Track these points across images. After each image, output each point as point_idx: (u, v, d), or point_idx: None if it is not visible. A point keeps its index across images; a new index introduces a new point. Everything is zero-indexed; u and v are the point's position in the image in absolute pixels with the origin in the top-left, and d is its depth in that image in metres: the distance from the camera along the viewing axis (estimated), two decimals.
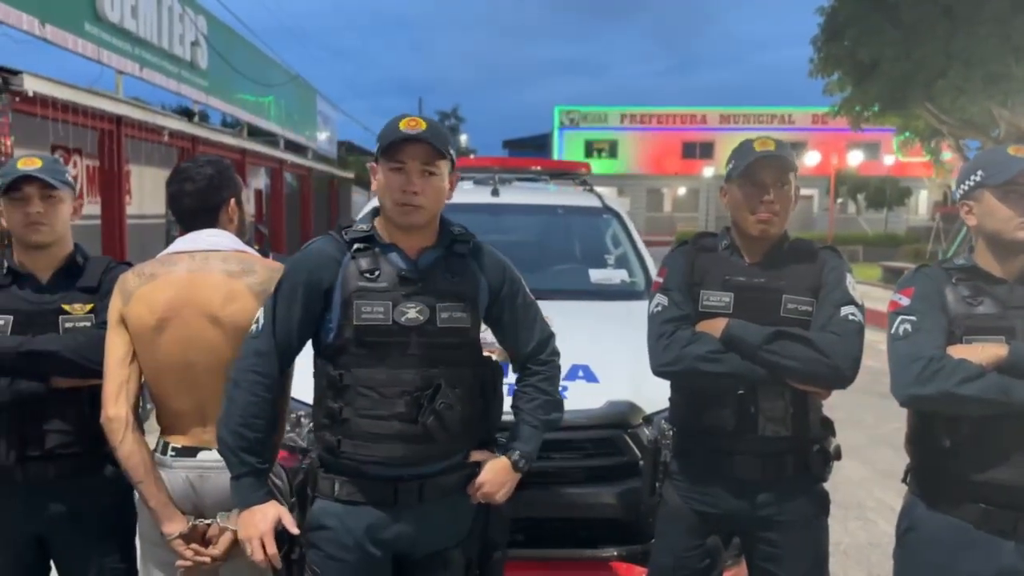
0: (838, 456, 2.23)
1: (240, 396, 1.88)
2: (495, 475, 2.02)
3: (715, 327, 2.12)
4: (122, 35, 10.62)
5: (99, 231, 10.73)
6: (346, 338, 1.86)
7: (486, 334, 2.96)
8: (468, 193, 4.56)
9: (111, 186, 10.75)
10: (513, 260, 4.07)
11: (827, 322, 2.09)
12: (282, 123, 18.70)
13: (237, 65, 14.77)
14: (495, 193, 4.21)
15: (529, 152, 43.46)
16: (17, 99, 7.93)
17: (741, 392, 2.12)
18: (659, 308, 2.21)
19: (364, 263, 1.87)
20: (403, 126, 1.86)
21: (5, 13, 8.02)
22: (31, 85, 7.89)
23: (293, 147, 19.98)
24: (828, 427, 2.25)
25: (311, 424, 2.11)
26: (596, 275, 3.86)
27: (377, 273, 1.87)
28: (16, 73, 7.82)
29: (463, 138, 49.54)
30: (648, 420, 2.58)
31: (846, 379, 2.07)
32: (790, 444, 2.15)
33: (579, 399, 2.59)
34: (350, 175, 23.73)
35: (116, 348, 2.08)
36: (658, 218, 39.91)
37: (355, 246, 1.90)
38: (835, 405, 2.25)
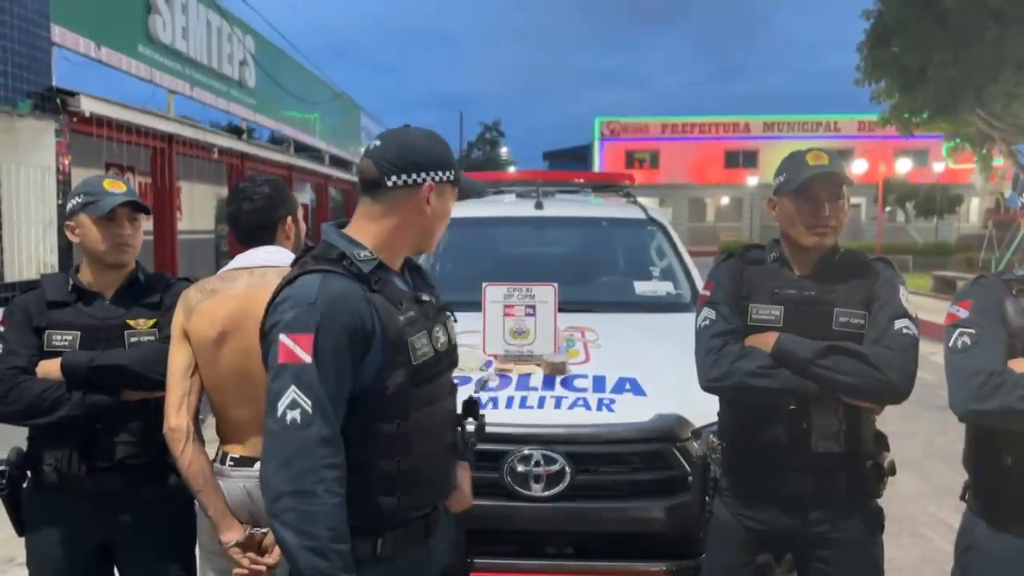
0: (892, 472, 2.20)
1: (320, 506, 1.47)
2: (466, 482, 1.95)
3: (765, 341, 2.11)
4: (173, 56, 10.93)
5: (152, 246, 11.02)
6: (400, 383, 1.61)
7: (532, 347, 3.00)
8: (511, 206, 4.59)
9: (163, 202, 11.04)
10: (557, 273, 4.13)
11: (881, 336, 2.06)
12: (327, 139, 18.99)
13: (284, 83, 15.07)
14: (539, 206, 4.23)
15: (569, 163, 43.51)
16: (74, 119, 8.20)
17: (793, 408, 2.10)
18: (707, 322, 2.21)
19: (388, 294, 1.64)
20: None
21: (63, 36, 8.30)
22: (87, 106, 8.16)
23: (338, 162, 20.28)
24: (882, 442, 2.22)
25: None
26: (641, 287, 3.86)
27: (403, 303, 1.66)
28: (73, 94, 8.10)
29: (503, 150, 49.71)
30: (697, 434, 2.56)
31: (901, 394, 2.04)
32: (843, 460, 2.12)
33: (627, 412, 2.59)
34: None
35: (179, 360, 2.14)
36: (701, 228, 39.58)
37: (373, 278, 1.63)
38: (888, 419, 2.21)
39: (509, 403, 2.63)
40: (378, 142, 1.71)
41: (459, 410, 1.92)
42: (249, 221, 2.24)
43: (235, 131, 13.75)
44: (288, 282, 1.63)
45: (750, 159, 40.13)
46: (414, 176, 1.67)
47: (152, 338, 2.27)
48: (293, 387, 1.50)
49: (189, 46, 11.31)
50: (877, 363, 2.01)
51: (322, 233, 1.75)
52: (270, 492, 1.49)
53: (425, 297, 1.75)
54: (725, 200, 41.83)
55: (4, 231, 7.42)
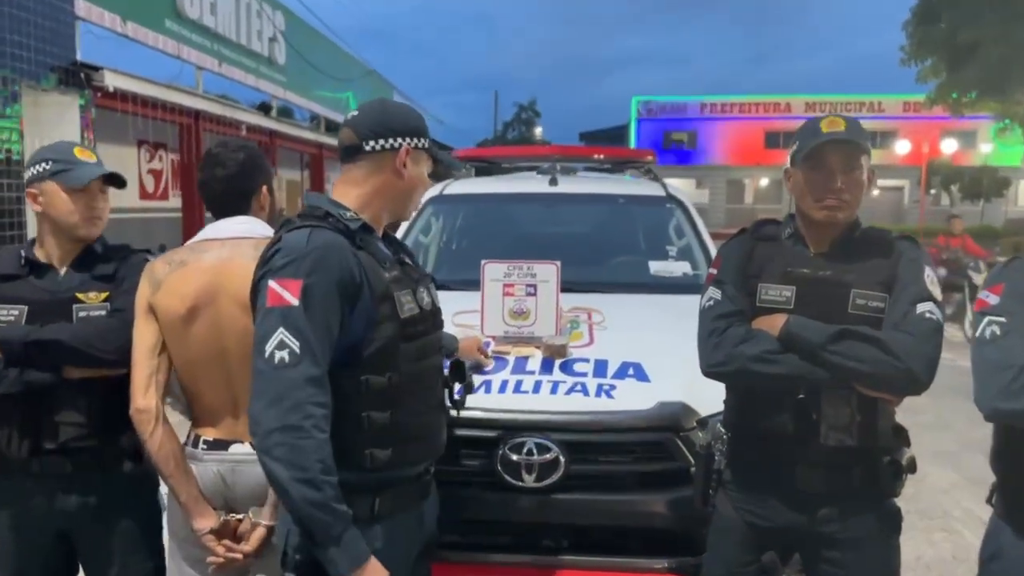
0: (912, 469, 2.01)
1: (308, 440, 1.52)
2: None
3: (773, 324, 1.93)
4: (201, 31, 10.88)
5: (180, 223, 11.05)
6: (390, 336, 1.67)
7: (533, 328, 2.84)
8: (526, 182, 4.43)
9: (190, 180, 11.04)
10: (568, 251, 3.96)
11: (901, 320, 1.87)
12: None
13: (314, 61, 14.99)
14: (553, 182, 4.06)
15: (605, 144, 43.03)
16: (99, 95, 8.18)
17: (801, 397, 1.93)
18: (711, 303, 2.04)
19: (373, 252, 1.72)
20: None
21: (88, 10, 8.28)
22: (111, 81, 8.14)
23: None
24: (901, 436, 2.03)
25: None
26: (656, 267, 3.67)
27: (387, 262, 1.74)
28: (97, 69, 8.08)
29: (538, 130, 49.37)
30: (702, 423, 2.39)
31: (920, 384, 1.85)
32: (857, 455, 1.95)
33: (628, 399, 2.43)
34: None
35: (145, 338, 2.03)
36: (739, 210, 38.97)
37: (359, 236, 1.71)
38: (923, 408, 2.04)
39: (503, 387, 2.49)
40: (356, 112, 1.80)
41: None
42: (222, 189, 2.12)
43: (264, 108, 13.72)
44: (277, 240, 1.68)
45: (791, 140, 39.26)
46: (391, 141, 1.75)
47: (103, 312, 2.13)
48: (282, 328, 1.56)
49: (217, 22, 11.26)
50: (895, 350, 1.83)
51: (304, 199, 1.81)
52: (259, 429, 1.54)
53: (406, 260, 1.84)
54: (764, 182, 41.12)
55: (28, 205, 7.42)
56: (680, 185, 4.37)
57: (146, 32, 9.48)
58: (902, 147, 29.31)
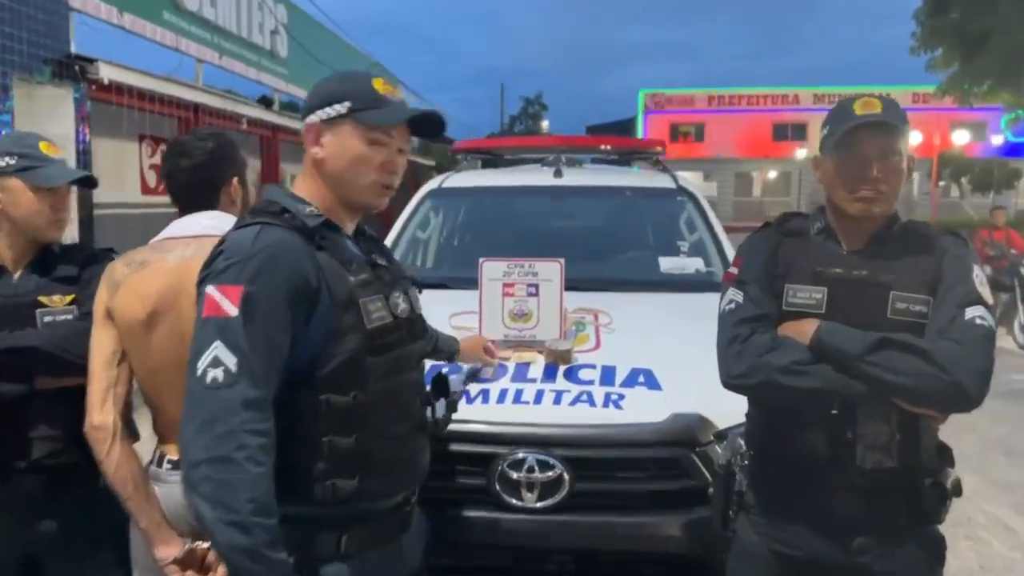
0: (958, 492, 1.80)
1: (240, 475, 1.30)
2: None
3: (803, 331, 1.72)
4: (201, 23, 10.67)
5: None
6: (354, 349, 1.46)
7: (535, 331, 2.63)
8: (529, 174, 4.22)
9: None
10: (573, 247, 3.73)
11: (947, 326, 1.66)
12: None
13: (317, 53, 14.77)
14: (558, 174, 3.84)
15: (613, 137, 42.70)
16: (93, 87, 7.99)
17: (835, 412, 1.72)
18: (732, 306, 1.82)
19: (336, 253, 1.51)
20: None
21: (82, 2, 8.07)
22: (106, 73, 7.93)
23: None
24: (945, 456, 1.82)
25: None
26: (666, 263, 3.45)
27: (353, 264, 1.52)
28: (92, 61, 7.88)
29: (545, 124, 49.06)
30: (721, 436, 2.18)
31: (971, 401, 1.63)
32: (896, 477, 1.73)
33: (638, 410, 2.22)
34: (431, 162, 23.75)
35: (103, 346, 1.84)
36: (747, 203, 38.62)
37: (317, 234, 1.50)
38: None
39: (501, 397, 2.28)
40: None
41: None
42: (187, 181, 1.92)
43: (266, 102, 13.52)
44: (223, 239, 1.48)
45: (799, 132, 38.96)
46: (306, 121, 1.57)
47: (70, 316, 1.98)
48: (217, 342, 1.35)
49: (217, 14, 11.03)
50: (941, 361, 1.61)
51: (266, 191, 1.60)
52: (186, 459, 1.33)
53: (380, 261, 1.62)
54: (772, 174, 40.74)
55: None
56: (688, 178, 4.13)
57: (144, 24, 9.26)
58: (912, 138, 28.92)
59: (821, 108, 38.19)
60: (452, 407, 1.88)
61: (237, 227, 1.49)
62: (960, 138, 27.56)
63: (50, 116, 7.69)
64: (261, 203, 1.54)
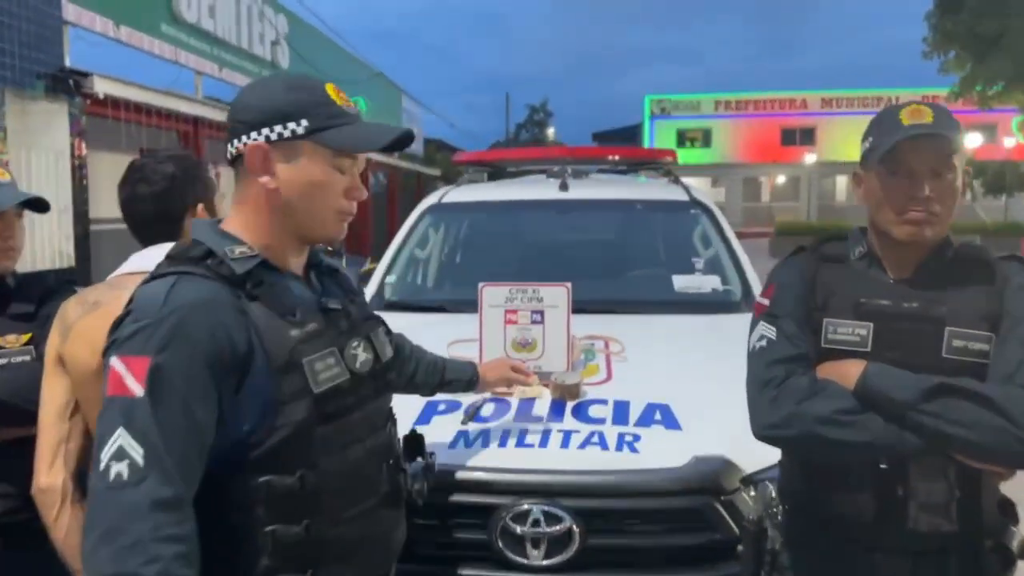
0: (1023, 554, 1.57)
1: None
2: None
3: (846, 373, 1.50)
4: (200, 35, 10.54)
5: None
6: (300, 420, 1.21)
7: (539, 362, 2.41)
8: (533, 187, 4.00)
9: None
10: (580, 265, 3.51)
11: (1015, 370, 1.43)
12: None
13: (319, 64, 14.62)
14: (564, 187, 3.62)
15: (618, 144, 42.52)
16: (88, 101, 7.83)
17: (884, 467, 1.49)
18: (763, 343, 1.60)
19: (273, 302, 1.25)
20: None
21: (78, 15, 7.93)
22: (101, 87, 7.78)
23: None
24: (1009, 513, 1.59)
25: None
26: (681, 282, 3.22)
27: (297, 313, 1.27)
28: (86, 75, 7.72)
29: (551, 131, 48.89)
30: (749, 482, 1.96)
31: None
32: (955, 541, 1.51)
33: (655, 453, 2.00)
34: (436, 172, 23.60)
35: (54, 397, 1.64)
36: (756, 208, 38.33)
37: (250, 282, 1.24)
38: None
39: (503, 439, 2.06)
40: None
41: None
42: (147, 211, 1.71)
43: None
44: (133, 295, 1.24)
45: (807, 136, 38.74)
46: (243, 139, 1.29)
47: (27, 358, 1.80)
48: (121, 430, 1.11)
49: (216, 25, 10.89)
50: (1010, 411, 1.39)
51: (193, 229, 1.32)
52: (87, 574, 1.09)
53: (333, 304, 1.36)
54: (781, 179, 40.45)
55: None
56: (696, 184, 3.91)
57: (141, 37, 9.12)
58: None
59: (829, 112, 38.01)
60: (430, 470, 1.62)
61: (149, 279, 1.24)
62: (972, 141, 27.26)
63: (44, 131, 7.53)
64: (179, 246, 1.29)
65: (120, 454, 1.09)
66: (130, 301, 1.21)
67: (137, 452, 1.09)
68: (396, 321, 3.11)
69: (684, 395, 2.25)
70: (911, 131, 1.49)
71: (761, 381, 1.56)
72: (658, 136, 39.91)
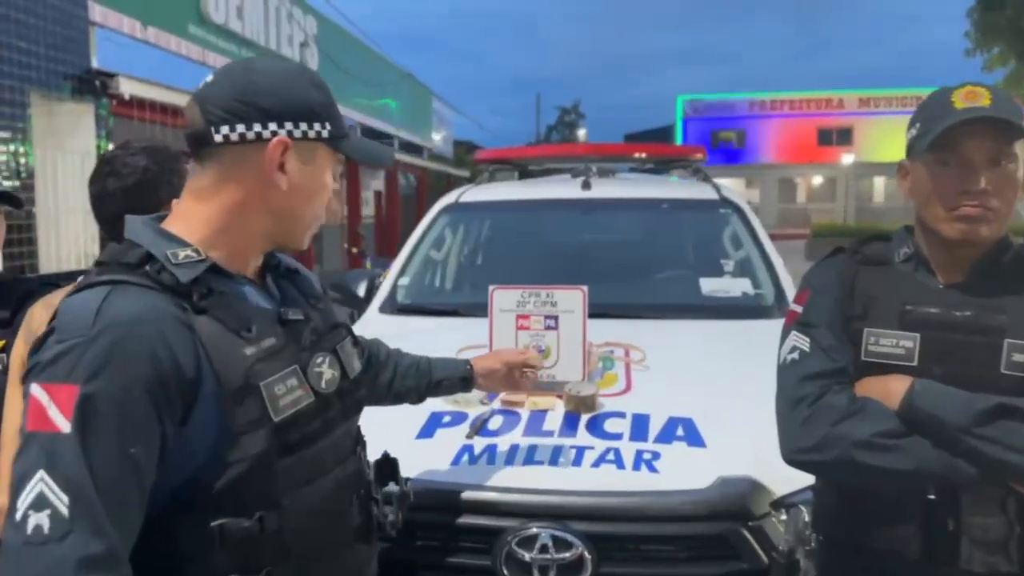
0: None
1: None
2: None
3: (889, 391, 1.32)
4: (228, 36, 10.52)
5: None
6: (258, 453, 1.06)
7: (553, 371, 2.25)
8: (555, 187, 3.84)
9: None
10: (603, 268, 3.34)
11: None
12: (397, 124, 18.54)
13: (349, 66, 14.61)
14: (586, 186, 3.46)
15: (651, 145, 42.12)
16: (114, 102, 7.82)
17: (932, 498, 1.31)
18: (795, 356, 1.43)
19: (224, 315, 1.08)
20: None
21: (104, 16, 7.92)
22: (127, 88, 7.79)
23: (409, 148, 19.87)
24: None
25: None
26: (708, 285, 3.04)
27: (253, 327, 1.10)
28: (112, 76, 7.72)
29: (582, 132, 48.66)
30: (780, 506, 1.78)
31: None
32: None
33: (677, 474, 1.83)
34: (465, 173, 23.56)
35: (16, 412, 1.50)
36: (791, 210, 37.78)
37: (196, 291, 1.07)
38: None
39: (511, 456, 1.90)
40: (211, 78, 1.17)
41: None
42: (116, 207, 1.58)
43: None
44: (58, 308, 1.06)
45: (844, 136, 38.09)
46: (256, 128, 1.12)
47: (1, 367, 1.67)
48: (43, 473, 0.93)
49: (244, 26, 10.88)
50: None
51: (126, 227, 1.15)
52: None
53: (293, 315, 1.19)
54: (817, 180, 39.83)
55: (39, 221, 7.08)
56: (729, 185, 3.71)
57: (168, 37, 9.11)
58: None
59: (867, 112, 37.35)
60: (405, 499, 1.45)
61: (77, 289, 1.06)
62: None
63: (71, 132, 7.55)
64: (112, 249, 1.12)
65: (40, 502, 0.91)
66: (54, 316, 1.04)
67: (61, 500, 0.92)
68: (406, 325, 3.01)
69: (710, 409, 2.07)
70: (966, 114, 1.31)
71: (792, 399, 1.38)
72: (691, 137, 39.48)
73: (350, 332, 1.34)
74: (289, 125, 1.13)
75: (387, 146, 1.41)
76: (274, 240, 1.21)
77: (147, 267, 1.07)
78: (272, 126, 1.12)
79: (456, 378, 1.82)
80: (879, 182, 37.66)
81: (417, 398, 1.80)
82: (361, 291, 3.31)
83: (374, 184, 19.72)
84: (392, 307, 3.11)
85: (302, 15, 12.81)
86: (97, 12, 7.81)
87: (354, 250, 12.78)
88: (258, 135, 1.11)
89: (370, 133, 17.52)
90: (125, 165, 1.59)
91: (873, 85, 39.94)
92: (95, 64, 7.75)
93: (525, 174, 4.52)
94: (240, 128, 1.11)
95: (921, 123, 1.39)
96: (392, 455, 1.47)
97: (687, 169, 4.28)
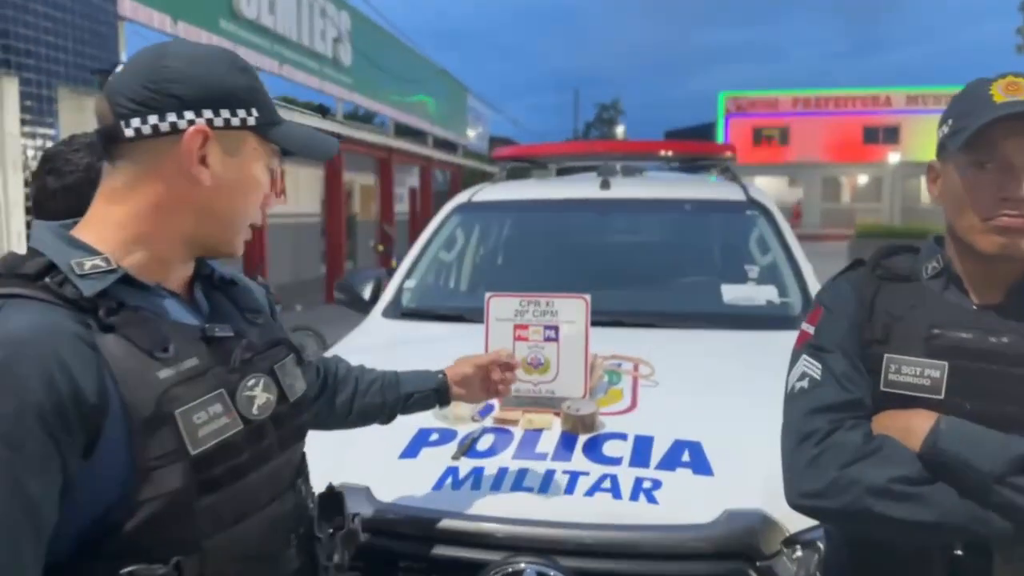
0: None
1: None
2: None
3: (911, 428, 1.14)
4: (260, 32, 10.50)
5: None
6: (174, 491, 0.92)
7: (552, 386, 2.09)
8: (572, 186, 3.67)
9: None
10: (618, 273, 3.16)
11: None
12: (431, 121, 18.47)
13: (383, 62, 14.57)
14: (605, 185, 3.28)
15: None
16: None
17: (959, 554, 1.13)
18: (804, 384, 1.25)
19: (137, 333, 0.94)
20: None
21: (134, 10, 7.91)
22: None
23: (442, 144, 19.81)
24: None
25: None
26: (731, 293, 2.85)
27: (171, 347, 0.96)
28: None
29: (620, 129, 48.23)
30: (793, 543, 1.60)
31: None
32: None
33: (679, 504, 1.65)
34: (503, 174, 23.46)
35: None
36: (835, 210, 37.04)
37: (104, 306, 0.94)
38: None
39: (498, 481, 1.74)
40: (120, 67, 1.04)
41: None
42: (56, 207, 1.45)
43: (322, 111, 13.33)
44: None
45: (891, 135, 37.23)
46: (171, 117, 0.99)
47: None
48: None
49: (277, 21, 10.85)
50: None
51: (32, 233, 1.02)
52: None
53: (221, 332, 1.04)
54: (863, 179, 38.99)
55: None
56: (772, 183, 3.52)
57: (199, 32, 9.09)
58: None
59: (915, 110, 36.46)
60: (351, 539, 1.29)
61: None
62: None
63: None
64: (10, 258, 0.97)
65: None
66: None
67: None
68: (408, 332, 2.86)
69: (720, 431, 1.90)
70: (1006, 109, 1.12)
71: (799, 434, 1.21)
72: (733, 134, 38.90)
73: (293, 349, 1.19)
74: (208, 113, 1.00)
75: (330, 136, 1.26)
76: (201, 245, 1.07)
77: (47, 279, 0.93)
78: (188, 115, 0.99)
79: (428, 390, 1.64)
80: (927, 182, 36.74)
81: (386, 417, 1.63)
82: (366, 293, 3.18)
83: (409, 181, 19.70)
84: (396, 311, 2.98)
85: (335, 10, 12.77)
86: (127, 7, 7.80)
87: (380, 248, 12.72)
88: (173, 126, 0.99)
89: (405, 130, 17.49)
90: (67, 163, 1.46)
91: (921, 82, 38.89)
92: (124, 59, 7.75)
93: (564, 171, 4.36)
94: (152, 119, 0.98)
95: (954, 119, 1.20)
96: (337, 487, 1.32)
97: (716, 167, 4.09)
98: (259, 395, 1.04)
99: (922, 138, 36.18)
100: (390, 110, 15.76)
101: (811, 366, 1.26)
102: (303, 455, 1.21)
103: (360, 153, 14.71)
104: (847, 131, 38.34)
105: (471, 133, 21.97)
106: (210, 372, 0.99)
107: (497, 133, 29.41)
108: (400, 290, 3.08)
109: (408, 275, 3.16)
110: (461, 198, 3.51)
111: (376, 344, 2.66)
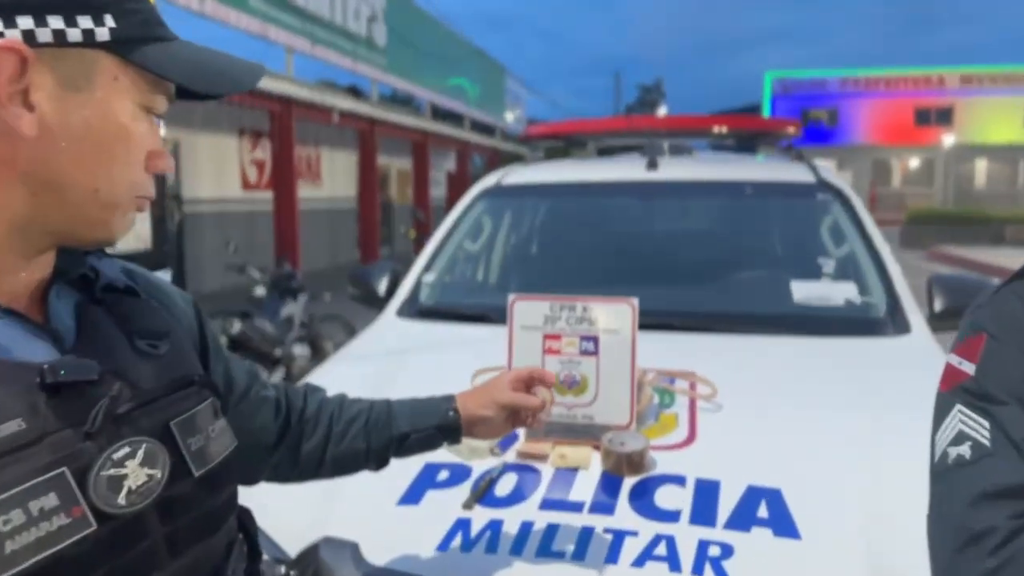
0: None
1: None
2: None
3: None
4: (291, 10, 10.21)
5: (271, 216, 10.49)
6: None
7: (590, 409, 1.69)
8: (616, 167, 3.26)
9: (282, 170, 10.49)
10: (667, 268, 2.74)
11: None
12: (469, 103, 18.08)
13: (418, 42, 14.21)
14: (652, 166, 2.86)
15: None
16: None
17: None
18: (967, 452, 0.84)
19: None
20: None
21: None
22: None
23: (480, 127, 19.46)
24: None
25: None
26: (802, 291, 2.42)
27: None
28: None
29: (661, 111, 47.40)
30: None
31: None
32: None
33: None
34: (539, 154, 23.06)
35: None
36: (885, 194, 35.88)
37: None
38: None
39: (519, 542, 1.35)
40: None
41: None
42: None
43: (355, 93, 13.03)
44: None
45: (944, 117, 35.91)
46: None
47: None
48: None
49: (308, 0, 10.55)
50: None
51: None
52: None
53: (72, 375, 0.67)
54: (914, 162, 37.71)
55: None
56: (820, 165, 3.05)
57: (227, 11, 8.82)
58: None
59: (969, 91, 35.17)
60: None
61: None
62: None
63: None
64: None
65: None
66: None
67: None
68: (422, 335, 2.48)
69: (805, 473, 1.49)
70: None
71: (965, 532, 0.79)
72: (780, 116, 37.88)
73: (215, 392, 0.82)
74: (27, 21, 0.65)
75: (246, 61, 0.89)
76: (48, 232, 0.72)
77: None
78: None
79: (430, 429, 1.19)
80: (981, 165, 35.41)
81: (375, 464, 1.19)
82: (381, 288, 2.81)
83: (446, 165, 19.38)
84: (412, 310, 2.60)
85: None
86: None
87: (412, 234, 12.37)
88: None
89: (441, 113, 17.13)
90: None
91: (975, 62, 37.49)
92: None
93: (605, 152, 3.98)
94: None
95: None
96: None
97: (777, 146, 3.64)
98: (133, 472, 0.68)
99: (977, 120, 34.86)
100: (426, 92, 15.40)
101: (974, 425, 0.84)
102: (233, 541, 0.84)
103: (396, 137, 14.40)
104: (898, 113, 37.09)
105: (509, 116, 21.53)
106: (45, 440, 0.64)
107: (536, 115, 28.93)
108: (418, 285, 2.71)
109: (427, 268, 2.78)
110: (489, 181, 3.11)
111: (384, 351, 2.28)
